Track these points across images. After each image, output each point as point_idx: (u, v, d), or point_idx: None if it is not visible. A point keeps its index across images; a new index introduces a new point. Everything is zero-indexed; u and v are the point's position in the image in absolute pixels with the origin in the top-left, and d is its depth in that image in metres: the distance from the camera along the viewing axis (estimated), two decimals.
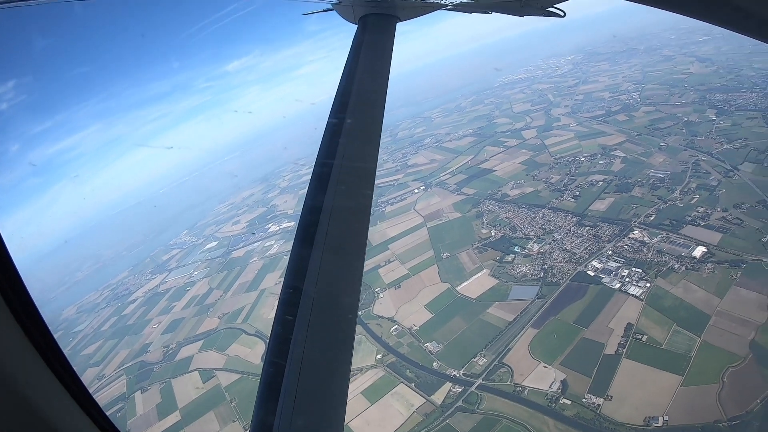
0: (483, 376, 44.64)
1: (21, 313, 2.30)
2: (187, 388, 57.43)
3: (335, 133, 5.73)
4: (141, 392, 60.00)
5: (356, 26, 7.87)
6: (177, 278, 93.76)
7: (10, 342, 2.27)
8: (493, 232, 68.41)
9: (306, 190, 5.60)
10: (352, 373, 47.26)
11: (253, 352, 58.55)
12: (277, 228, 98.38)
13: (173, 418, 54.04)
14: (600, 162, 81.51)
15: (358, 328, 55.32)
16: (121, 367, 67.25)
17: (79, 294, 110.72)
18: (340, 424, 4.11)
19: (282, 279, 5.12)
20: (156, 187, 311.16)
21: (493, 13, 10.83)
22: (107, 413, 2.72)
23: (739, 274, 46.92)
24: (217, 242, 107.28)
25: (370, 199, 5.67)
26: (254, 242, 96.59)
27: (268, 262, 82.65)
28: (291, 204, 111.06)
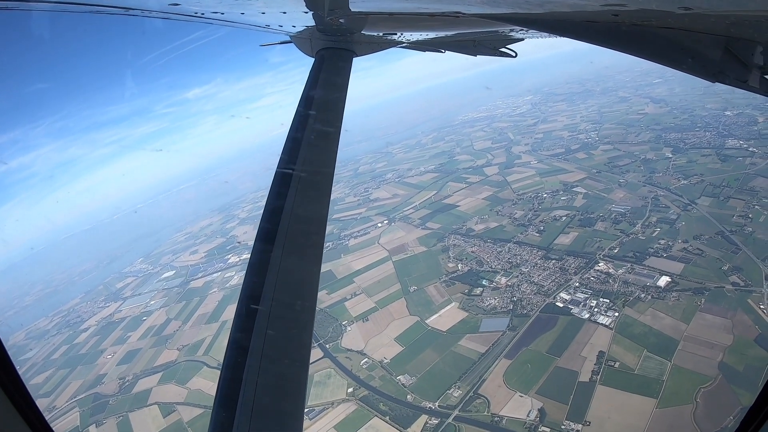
0: (459, 407, 45.37)
1: None
2: (147, 423, 55.74)
3: (290, 161, 6.10)
4: (96, 426, 57.81)
5: (313, 59, 8.30)
6: (132, 307, 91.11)
7: None
8: (459, 265, 70.18)
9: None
10: (322, 407, 47.46)
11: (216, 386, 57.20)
12: (238, 259, 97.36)
13: None
14: (562, 198, 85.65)
15: (327, 362, 55.49)
16: (74, 399, 64.56)
17: (27, 319, 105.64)
18: None
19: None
20: (109, 212, 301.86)
21: (446, 51, 11.74)
22: None
23: (703, 301, 50.37)
24: (174, 271, 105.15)
25: (324, 223, 6.10)
26: (214, 273, 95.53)
27: (229, 293, 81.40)
28: (251, 235, 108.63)
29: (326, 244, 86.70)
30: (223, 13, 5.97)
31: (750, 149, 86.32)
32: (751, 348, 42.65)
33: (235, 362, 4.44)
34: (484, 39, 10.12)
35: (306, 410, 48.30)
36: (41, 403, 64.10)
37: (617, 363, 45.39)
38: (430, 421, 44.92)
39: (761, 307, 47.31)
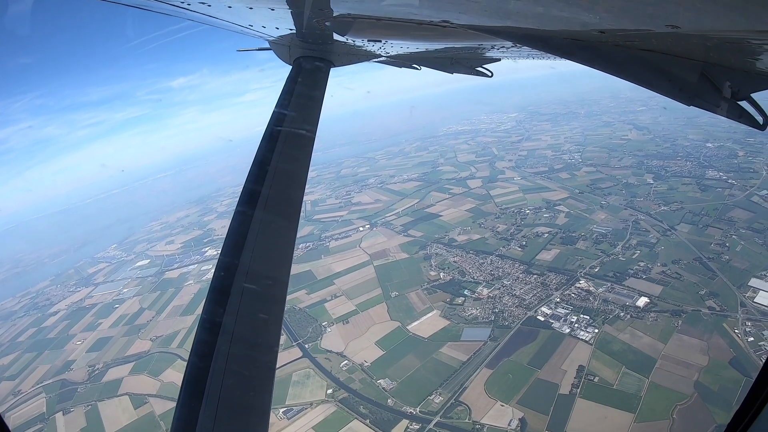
0: (441, 413, 46.33)
1: None
2: (117, 414, 55.13)
3: (262, 167, 5.98)
4: (63, 414, 57.01)
5: (291, 67, 8.23)
6: (104, 294, 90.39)
7: None
8: (441, 274, 71.51)
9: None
10: (301, 407, 47.76)
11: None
12: (215, 252, 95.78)
13: None
14: (545, 215, 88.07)
15: (306, 361, 55.93)
16: (40, 384, 63.61)
17: None
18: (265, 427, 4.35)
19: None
20: (82, 195, 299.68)
21: (422, 68, 11.92)
22: None
23: (680, 322, 52.75)
24: (149, 260, 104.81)
25: (294, 236, 5.87)
26: (190, 264, 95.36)
27: (206, 285, 78.70)
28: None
29: (306, 245, 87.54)
30: (209, 5, 5.63)
31: (729, 181, 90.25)
32: (726, 370, 44.93)
33: (208, 340, 4.39)
34: (462, 57, 10.31)
35: (284, 409, 48.88)
36: (5, 386, 63.25)
37: (597, 377, 47.17)
38: (411, 426, 45.77)
39: (736, 331, 49.75)
